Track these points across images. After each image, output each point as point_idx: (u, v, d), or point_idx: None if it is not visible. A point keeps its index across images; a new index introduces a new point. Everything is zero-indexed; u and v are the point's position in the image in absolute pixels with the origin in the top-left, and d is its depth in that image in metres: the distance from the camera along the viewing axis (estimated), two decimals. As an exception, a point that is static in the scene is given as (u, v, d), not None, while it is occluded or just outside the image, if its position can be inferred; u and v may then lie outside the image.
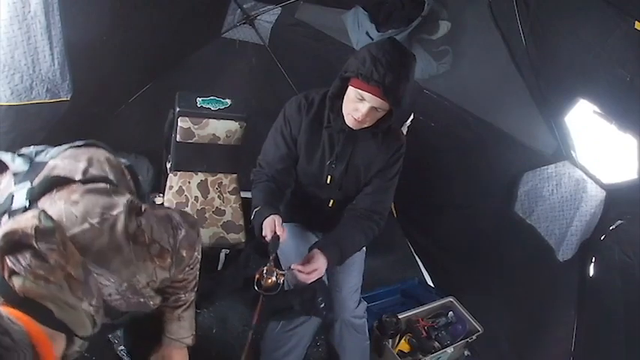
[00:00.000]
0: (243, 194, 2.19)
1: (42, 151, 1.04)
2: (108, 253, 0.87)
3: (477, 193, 2.23)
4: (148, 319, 1.17)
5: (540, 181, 1.91)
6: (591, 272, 1.72)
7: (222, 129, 2.14)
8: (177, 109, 2.06)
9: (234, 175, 2.27)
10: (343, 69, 1.43)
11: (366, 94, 1.37)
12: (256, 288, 1.34)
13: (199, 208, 2.05)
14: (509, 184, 2.02)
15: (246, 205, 2.08)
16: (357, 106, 1.41)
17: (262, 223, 1.44)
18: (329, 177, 1.62)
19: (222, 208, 2.10)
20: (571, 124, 1.74)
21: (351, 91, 1.41)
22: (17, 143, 1.53)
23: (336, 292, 1.69)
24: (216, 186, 2.19)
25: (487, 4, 1.93)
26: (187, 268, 1.11)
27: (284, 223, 1.43)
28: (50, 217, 0.81)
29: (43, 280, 0.76)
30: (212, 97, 2.11)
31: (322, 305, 1.53)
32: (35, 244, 0.76)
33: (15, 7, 1.45)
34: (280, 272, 1.36)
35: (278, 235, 1.38)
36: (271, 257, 1.36)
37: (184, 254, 1.03)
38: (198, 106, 2.08)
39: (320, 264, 1.41)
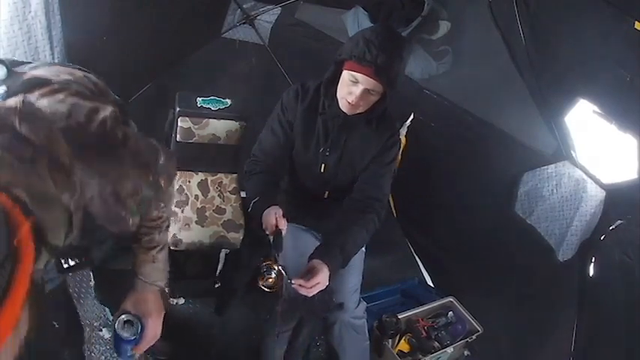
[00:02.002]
0: (244, 194, 2.19)
1: (22, 64, 0.96)
2: (96, 150, 0.79)
3: (477, 193, 2.23)
4: (119, 261, 1.15)
5: (540, 181, 1.91)
6: (591, 272, 1.72)
7: (222, 129, 2.14)
8: (177, 109, 2.05)
9: (235, 175, 2.27)
10: (337, 53, 1.45)
11: (359, 76, 1.38)
12: (261, 286, 1.34)
13: (200, 207, 2.05)
14: (509, 184, 2.02)
15: (246, 205, 2.08)
16: (351, 89, 1.42)
17: (262, 216, 1.43)
18: (323, 165, 1.63)
19: (223, 207, 2.10)
20: (571, 124, 1.74)
21: (345, 75, 1.43)
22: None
23: (335, 292, 1.69)
24: (217, 185, 2.19)
25: (487, 4, 1.93)
26: (162, 205, 1.07)
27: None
28: (34, 104, 0.73)
29: (22, 163, 0.65)
30: (212, 97, 2.11)
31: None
32: (17, 125, 0.67)
33: (15, 7, 1.45)
34: (281, 266, 1.34)
35: (280, 230, 1.37)
36: (275, 254, 1.34)
37: (162, 184, 0.98)
38: (198, 106, 2.08)
39: (321, 277, 1.37)
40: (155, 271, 1.16)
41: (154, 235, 1.13)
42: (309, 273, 1.38)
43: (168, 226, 1.18)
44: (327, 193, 1.70)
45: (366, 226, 1.54)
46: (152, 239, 1.13)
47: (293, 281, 1.36)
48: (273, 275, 1.33)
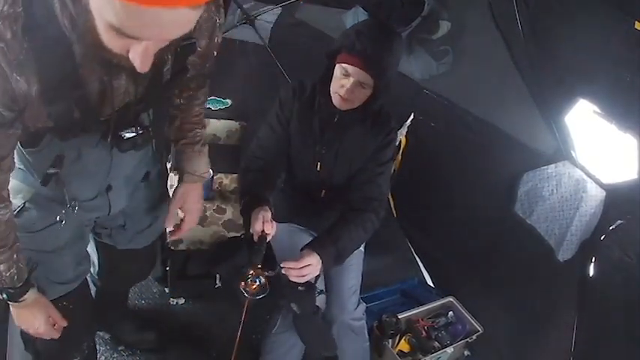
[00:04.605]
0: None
1: None
2: None
3: (477, 193, 2.23)
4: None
5: (540, 181, 1.91)
6: (591, 272, 1.72)
7: (222, 129, 2.15)
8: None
9: (235, 175, 2.27)
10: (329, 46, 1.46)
11: (350, 68, 1.38)
12: (243, 293, 1.28)
13: (199, 208, 2.06)
14: (509, 184, 2.02)
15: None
16: (343, 82, 1.42)
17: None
18: (319, 164, 1.62)
19: (223, 206, 2.10)
20: (571, 124, 1.74)
21: (337, 69, 1.44)
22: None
23: (333, 293, 1.68)
24: (217, 185, 2.19)
25: (487, 4, 1.93)
26: (201, 100, 1.27)
27: (279, 224, 1.39)
28: None
29: None
30: (212, 97, 2.12)
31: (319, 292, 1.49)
32: None
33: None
34: (267, 274, 1.28)
35: (265, 236, 1.32)
36: (256, 260, 1.29)
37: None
38: (199, 106, 2.08)
39: (311, 260, 1.36)
40: (202, 164, 1.33)
41: (197, 131, 1.30)
42: (299, 260, 1.36)
43: (204, 126, 1.35)
44: (323, 192, 1.70)
45: (363, 224, 1.52)
46: (195, 134, 1.29)
47: (282, 264, 1.33)
48: (257, 283, 1.27)
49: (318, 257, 1.38)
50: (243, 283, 1.27)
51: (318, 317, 1.51)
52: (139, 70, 0.72)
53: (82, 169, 1.08)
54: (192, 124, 1.28)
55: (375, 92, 1.45)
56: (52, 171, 1.03)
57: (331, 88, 1.49)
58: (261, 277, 1.28)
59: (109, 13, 0.61)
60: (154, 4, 0.57)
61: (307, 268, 1.35)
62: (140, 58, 0.69)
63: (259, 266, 1.29)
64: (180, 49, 0.90)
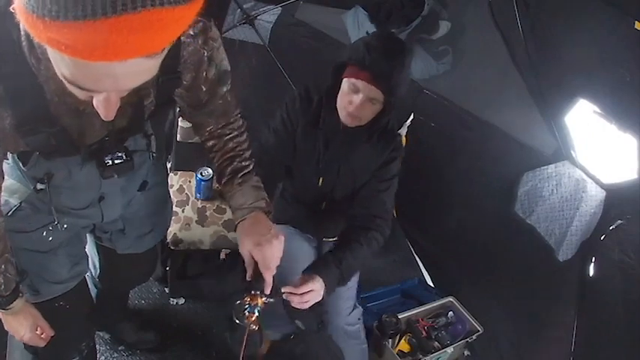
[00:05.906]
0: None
1: None
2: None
3: (477, 193, 2.23)
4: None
5: (540, 181, 1.91)
6: (591, 272, 1.72)
7: (222, 129, 2.14)
8: (178, 110, 2.05)
9: (235, 175, 2.27)
10: (337, 58, 1.40)
11: (359, 83, 1.31)
12: (237, 321, 1.10)
13: (200, 207, 2.06)
14: (509, 184, 2.02)
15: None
16: (352, 98, 1.35)
17: None
18: (321, 179, 1.56)
19: (223, 206, 2.09)
20: (571, 124, 1.74)
21: (345, 84, 1.36)
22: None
23: (329, 297, 1.66)
24: (217, 185, 2.19)
25: (487, 4, 1.93)
26: (235, 133, 1.20)
27: (277, 225, 1.27)
28: None
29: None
30: (212, 97, 2.11)
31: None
32: None
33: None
34: (265, 301, 1.09)
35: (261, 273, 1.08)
36: (257, 289, 1.10)
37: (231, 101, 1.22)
38: (199, 106, 2.08)
39: (314, 285, 1.27)
40: (244, 197, 1.11)
41: (236, 163, 1.15)
42: (301, 284, 1.27)
43: (245, 158, 1.18)
44: (324, 204, 1.65)
45: (369, 243, 1.46)
46: (234, 167, 1.14)
47: (283, 290, 1.23)
48: (257, 313, 1.09)
49: (322, 282, 1.29)
50: (239, 314, 1.09)
51: (324, 332, 1.46)
52: (103, 119, 0.70)
53: (73, 185, 1.08)
54: (229, 160, 1.16)
55: (384, 108, 1.38)
56: (40, 187, 1.04)
57: (338, 104, 1.40)
58: (259, 306, 1.10)
59: (62, 66, 0.60)
60: (99, 59, 0.54)
61: (309, 294, 1.26)
62: (103, 106, 0.67)
63: (255, 293, 1.10)
64: (163, 82, 0.85)
